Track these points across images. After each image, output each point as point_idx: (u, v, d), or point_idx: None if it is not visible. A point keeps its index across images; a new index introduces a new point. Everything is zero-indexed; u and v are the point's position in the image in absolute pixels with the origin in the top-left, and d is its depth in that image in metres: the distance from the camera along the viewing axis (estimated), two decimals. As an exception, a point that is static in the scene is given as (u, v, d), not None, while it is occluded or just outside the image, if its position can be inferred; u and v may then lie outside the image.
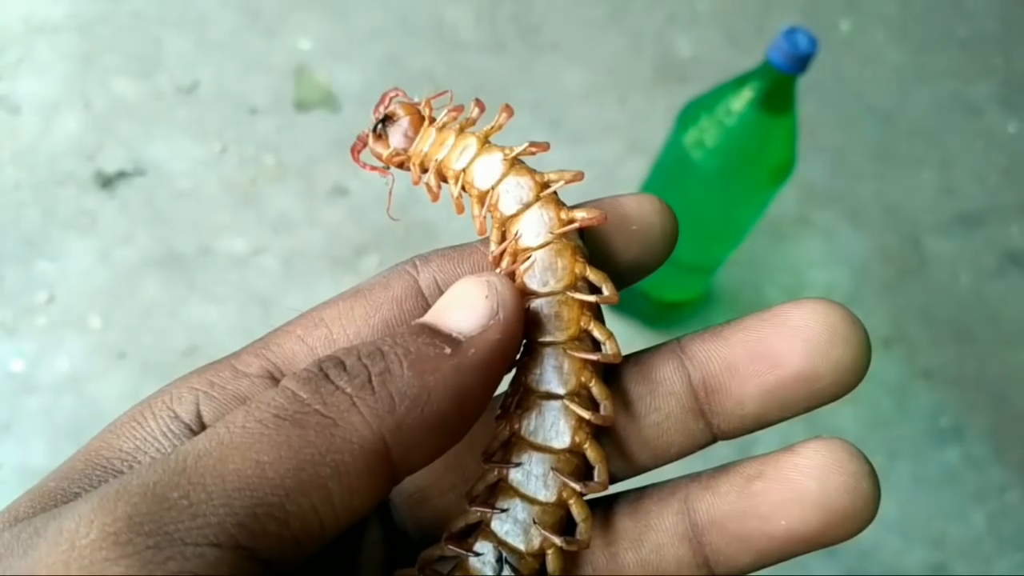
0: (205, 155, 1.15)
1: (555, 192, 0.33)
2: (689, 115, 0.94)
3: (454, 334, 0.28)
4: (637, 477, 0.33)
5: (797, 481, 0.29)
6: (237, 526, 0.23)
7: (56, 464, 0.29)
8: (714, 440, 0.32)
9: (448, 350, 0.27)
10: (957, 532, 1.07)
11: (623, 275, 0.33)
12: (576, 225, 0.32)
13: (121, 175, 1.12)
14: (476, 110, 0.35)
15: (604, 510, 0.33)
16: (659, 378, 0.32)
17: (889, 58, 1.45)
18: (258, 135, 1.18)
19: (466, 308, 0.29)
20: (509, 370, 0.31)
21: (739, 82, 0.89)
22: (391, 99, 0.35)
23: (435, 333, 0.28)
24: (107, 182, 1.11)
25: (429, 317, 0.29)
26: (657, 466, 0.33)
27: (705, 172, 0.92)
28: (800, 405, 0.31)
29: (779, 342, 0.30)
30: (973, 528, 1.07)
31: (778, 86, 0.86)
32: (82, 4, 1.24)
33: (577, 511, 0.31)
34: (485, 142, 0.34)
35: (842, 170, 1.31)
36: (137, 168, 1.13)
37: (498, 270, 0.32)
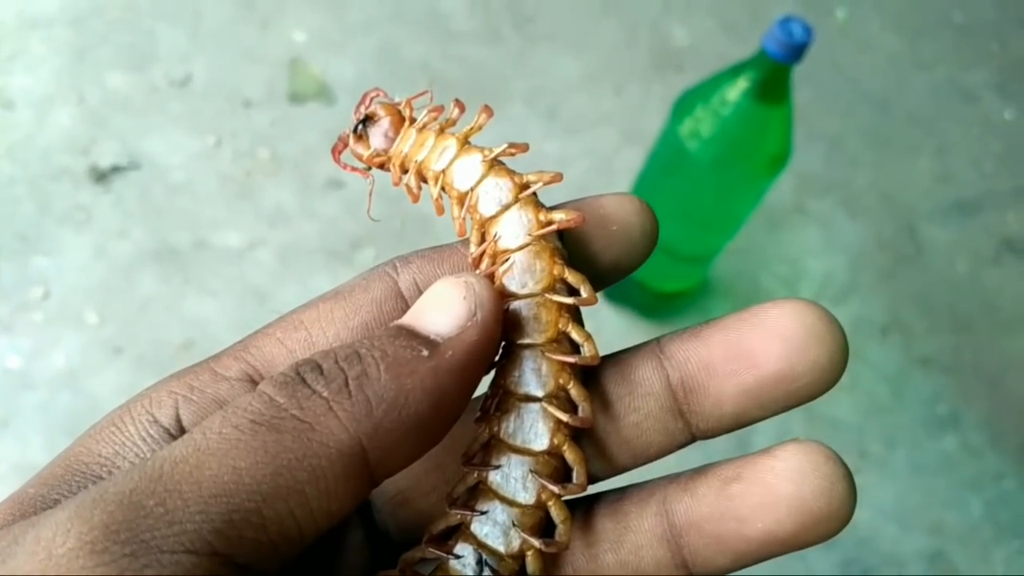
0: (199, 148, 1.15)
1: (534, 193, 0.33)
2: (684, 105, 0.94)
3: (432, 336, 0.28)
4: (618, 477, 0.33)
5: (773, 484, 0.29)
6: (214, 532, 0.23)
7: (55, 460, 0.29)
8: (693, 440, 0.32)
9: (425, 352, 0.27)
10: (955, 519, 1.07)
11: (603, 276, 0.33)
12: (554, 227, 0.32)
13: (116, 169, 1.11)
14: (456, 110, 0.34)
15: (585, 511, 0.33)
16: (638, 379, 0.32)
17: (885, 45, 1.44)
18: (252, 128, 1.18)
19: (444, 309, 0.28)
20: (488, 372, 0.31)
21: (734, 72, 0.89)
22: (372, 99, 0.35)
23: (412, 335, 0.28)
24: (101, 176, 1.11)
25: (407, 319, 0.29)
26: (637, 466, 0.33)
27: (701, 162, 0.92)
28: (778, 404, 0.31)
29: (757, 342, 0.30)
30: (971, 515, 1.07)
31: (773, 75, 0.86)
32: (75, -2, 1.23)
33: (556, 512, 0.31)
34: (465, 143, 0.34)
35: (838, 158, 1.31)
36: (132, 162, 1.12)
37: (477, 272, 0.32)
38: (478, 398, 0.32)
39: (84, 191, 1.09)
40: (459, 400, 0.28)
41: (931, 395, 1.14)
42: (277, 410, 0.26)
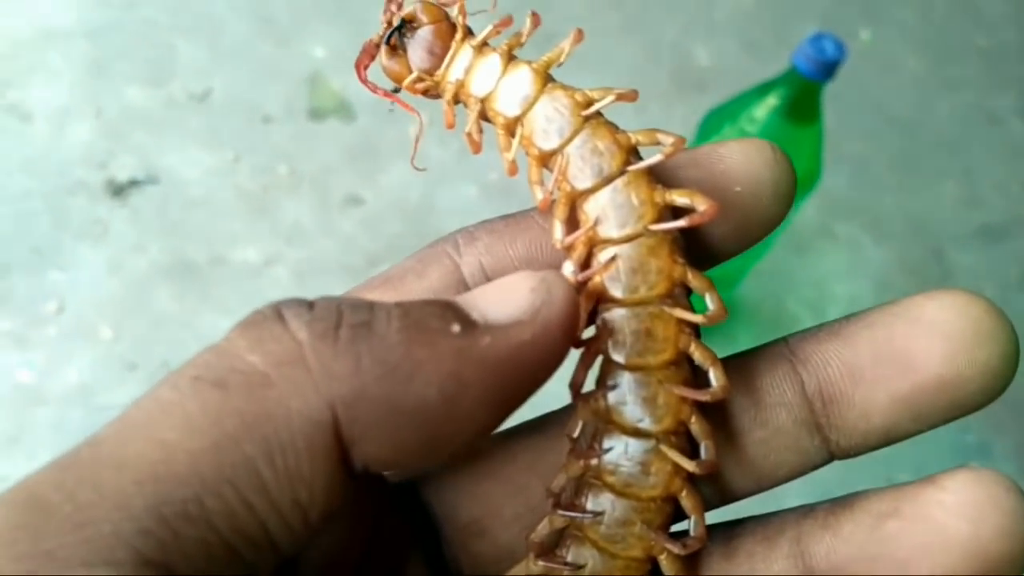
0: (218, 164, 1.14)
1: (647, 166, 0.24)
2: (711, 124, 0.92)
3: (473, 315, 0.22)
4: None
5: (943, 522, 0.24)
6: (140, 534, 0.17)
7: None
8: (831, 459, 0.28)
9: (457, 328, 0.21)
10: (984, 551, 1.04)
11: (713, 252, 0.28)
12: (680, 225, 0.24)
13: (133, 183, 1.10)
14: (529, 25, 0.25)
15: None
16: (766, 387, 0.27)
17: (910, 68, 1.43)
18: (271, 143, 1.17)
19: (501, 292, 0.22)
20: (531, 393, 0.24)
21: (763, 90, 0.87)
22: None
23: (449, 307, 0.22)
24: (119, 190, 1.09)
25: (456, 297, 0.23)
26: (760, 491, 0.28)
27: (727, 182, 0.90)
28: (938, 416, 0.26)
29: (914, 341, 0.26)
30: (1001, 547, 1.05)
31: (804, 94, 0.84)
32: (93, 11, 1.22)
33: (667, 566, 0.26)
34: (546, 78, 0.25)
35: (864, 181, 1.29)
36: (149, 176, 1.11)
37: (568, 264, 0.25)
38: (559, 413, 0.27)
39: (101, 205, 1.08)
40: (480, 406, 0.21)
41: (960, 424, 1.10)
42: (230, 358, 0.20)
